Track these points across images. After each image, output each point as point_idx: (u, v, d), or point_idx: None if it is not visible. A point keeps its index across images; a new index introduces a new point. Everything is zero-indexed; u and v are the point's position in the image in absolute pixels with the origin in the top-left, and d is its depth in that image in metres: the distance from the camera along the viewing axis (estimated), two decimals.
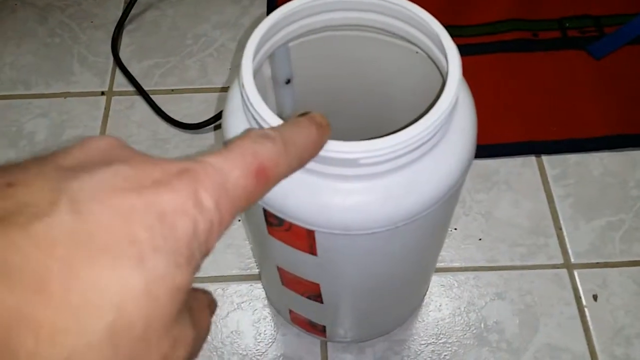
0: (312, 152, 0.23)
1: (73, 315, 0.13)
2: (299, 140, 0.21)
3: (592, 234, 0.53)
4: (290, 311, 0.45)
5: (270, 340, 0.49)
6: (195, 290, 0.18)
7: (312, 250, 0.31)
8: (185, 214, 0.15)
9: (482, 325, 0.49)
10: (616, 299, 0.49)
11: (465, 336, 0.48)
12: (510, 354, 0.47)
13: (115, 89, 0.63)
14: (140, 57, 0.65)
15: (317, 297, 0.38)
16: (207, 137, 0.59)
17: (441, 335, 0.49)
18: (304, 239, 0.31)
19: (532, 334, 0.48)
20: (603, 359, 0.47)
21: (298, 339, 0.49)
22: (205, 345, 0.48)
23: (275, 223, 0.31)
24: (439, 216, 0.32)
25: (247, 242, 0.53)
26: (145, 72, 0.64)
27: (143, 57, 0.65)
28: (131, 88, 0.63)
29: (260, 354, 0.48)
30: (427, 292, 0.50)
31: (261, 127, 0.26)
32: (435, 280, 0.51)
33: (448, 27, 0.30)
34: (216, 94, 0.63)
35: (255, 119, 0.27)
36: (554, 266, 0.51)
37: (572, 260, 0.52)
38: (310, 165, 0.26)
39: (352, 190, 0.28)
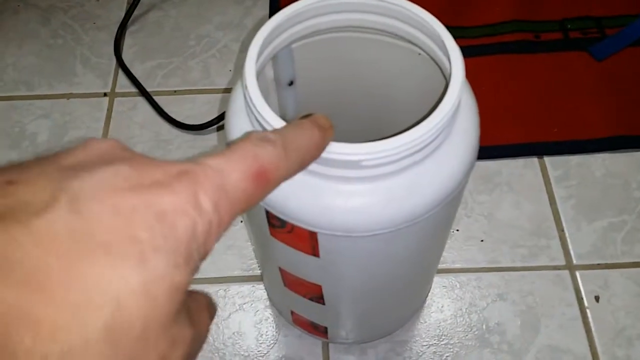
0: (313, 154, 0.23)
1: (72, 312, 0.13)
2: (300, 143, 0.21)
3: (594, 235, 0.53)
4: (292, 312, 0.45)
5: (272, 342, 0.49)
6: (194, 292, 0.18)
7: (315, 252, 0.32)
8: (185, 215, 0.15)
9: (484, 327, 0.49)
10: (618, 300, 0.49)
11: (466, 337, 0.48)
12: (512, 355, 0.47)
13: (117, 90, 0.63)
14: (142, 58, 0.66)
15: (319, 298, 0.38)
16: (210, 138, 0.59)
17: (443, 337, 0.49)
18: (306, 240, 0.31)
19: (534, 335, 0.48)
20: None
21: (300, 340, 0.49)
22: (206, 346, 0.48)
23: (277, 225, 0.31)
24: (441, 218, 0.32)
25: (249, 243, 0.53)
26: (147, 73, 0.64)
27: (146, 58, 0.66)
28: (134, 89, 0.63)
29: (262, 355, 0.48)
30: (429, 293, 0.50)
31: (264, 129, 0.26)
32: (437, 281, 0.51)
33: (450, 29, 0.30)
34: (219, 95, 0.63)
35: (257, 120, 0.27)
36: (556, 267, 0.51)
37: (574, 261, 0.52)
38: (313, 166, 0.26)
39: (354, 192, 0.28)
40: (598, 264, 0.51)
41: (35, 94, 0.63)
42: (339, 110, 0.38)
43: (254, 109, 0.27)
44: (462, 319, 0.49)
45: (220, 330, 0.49)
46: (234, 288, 0.51)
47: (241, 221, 0.54)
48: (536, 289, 0.50)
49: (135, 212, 0.15)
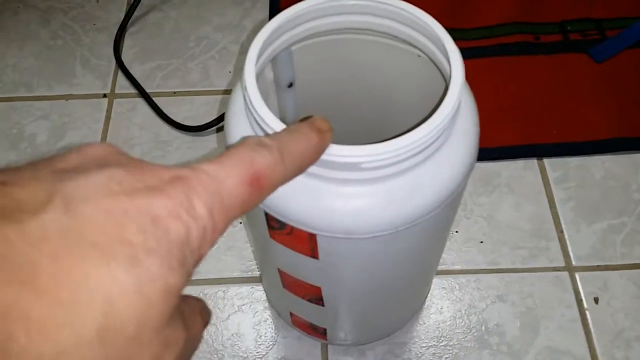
0: (311, 158, 0.23)
1: (64, 311, 0.13)
2: (297, 148, 0.21)
3: (594, 237, 0.53)
4: (291, 314, 0.45)
5: (270, 343, 0.49)
6: (188, 296, 0.18)
7: (314, 254, 0.32)
8: (178, 219, 0.15)
9: (483, 328, 0.49)
10: (617, 302, 0.49)
11: (466, 339, 0.48)
12: (511, 356, 0.47)
13: (117, 91, 0.63)
14: (142, 59, 0.66)
15: (318, 300, 0.38)
16: (209, 140, 0.59)
17: (442, 338, 0.49)
18: (306, 242, 0.31)
19: (533, 337, 0.48)
20: None
21: (299, 342, 0.49)
22: (205, 347, 0.48)
23: (276, 226, 0.31)
24: (440, 220, 0.32)
25: (249, 244, 0.53)
26: (147, 74, 0.64)
27: (145, 59, 0.66)
28: (133, 90, 0.63)
29: (260, 356, 0.48)
30: (428, 295, 0.50)
31: (263, 130, 0.26)
32: (437, 282, 0.51)
33: (450, 30, 0.30)
34: (218, 97, 0.63)
35: (257, 122, 0.27)
36: (555, 269, 0.51)
37: (574, 263, 0.52)
38: (312, 169, 0.26)
39: (354, 194, 0.28)
40: (597, 266, 0.51)
41: (35, 95, 0.63)
42: (338, 112, 0.38)
43: (253, 111, 0.27)
44: (461, 320, 0.49)
45: (219, 331, 0.49)
46: (233, 289, 0.51)
47: (240, 222, 0.54)
48: (535, 291, 0.50)
49: (129, 215, 0.15)
